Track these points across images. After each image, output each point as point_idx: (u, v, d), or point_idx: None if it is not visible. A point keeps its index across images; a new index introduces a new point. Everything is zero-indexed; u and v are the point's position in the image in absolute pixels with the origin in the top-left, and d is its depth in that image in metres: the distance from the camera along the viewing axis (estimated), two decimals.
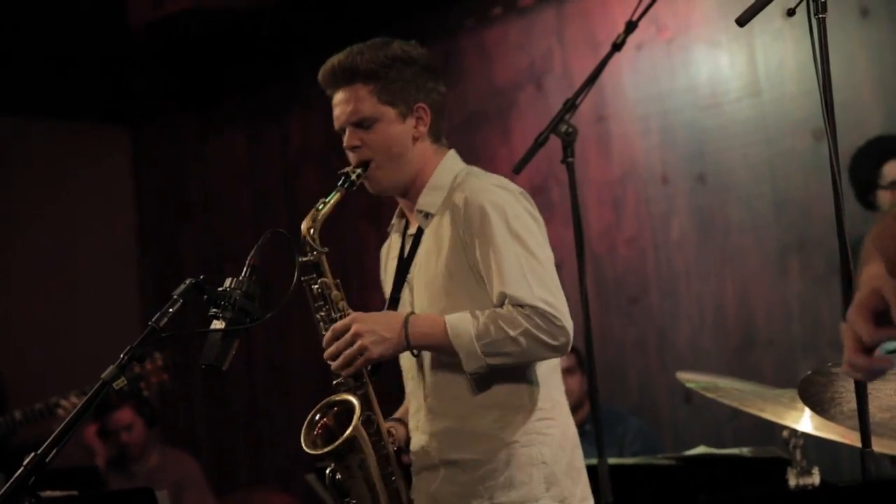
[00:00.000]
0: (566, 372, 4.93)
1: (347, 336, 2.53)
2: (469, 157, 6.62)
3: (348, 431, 2.53)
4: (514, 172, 3.16)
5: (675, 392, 5.17)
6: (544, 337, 2.49)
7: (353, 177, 2.63)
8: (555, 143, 3.20)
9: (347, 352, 2.54)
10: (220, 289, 2.41)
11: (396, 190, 2.70)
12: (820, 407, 2.39)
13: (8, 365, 5.21)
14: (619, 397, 5.25)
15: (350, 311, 2.60)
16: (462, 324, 2.50)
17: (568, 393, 4.96)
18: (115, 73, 6.74)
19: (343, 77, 2.67)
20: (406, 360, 2.68)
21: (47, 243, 6.74)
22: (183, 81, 6.94)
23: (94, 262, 6.91)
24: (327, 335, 2.57)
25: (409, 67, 2.66)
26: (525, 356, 2.51)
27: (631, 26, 3.18)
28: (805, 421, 2.99)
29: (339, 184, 2.63)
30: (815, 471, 3.02)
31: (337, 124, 2.70)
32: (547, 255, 2.60)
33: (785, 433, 3.07)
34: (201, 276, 2.39)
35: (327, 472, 2.61)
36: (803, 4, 2.35)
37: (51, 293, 6.70)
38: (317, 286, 2.60)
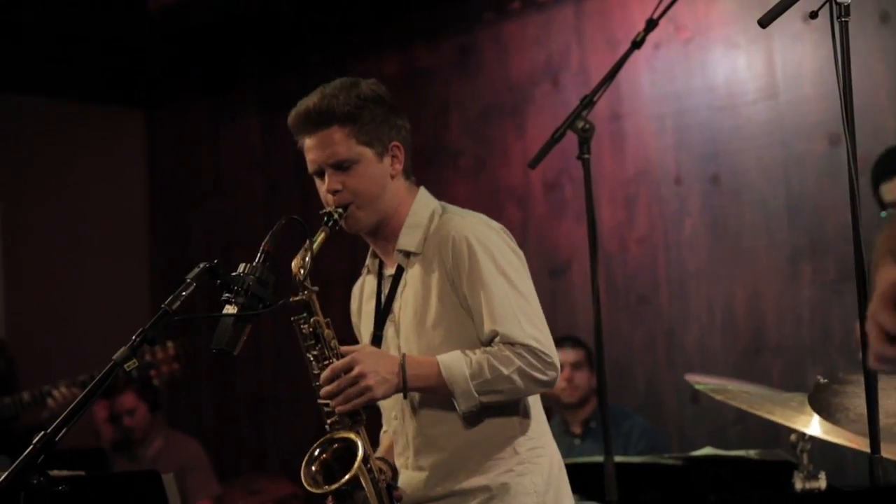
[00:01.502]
0: (574, 366, 4.97)
1: (351, 375, 2.54)
2: (484, 150, 6.61)
3: (353, 470, 2.54)
4: (530, 167, 3.16)
5: (682, 392, 5.17)
6: (535, 374, 2.55)
7: (336, 216, 2.64)
8: (568, 139, 3.20)
9: (350, 391, 2.55)
10: (234, 274, 2.41)
11: (372, 229, 2.72)
12: (827, 412, 2.39)
13: (17, 347, 5.21)
14: (626, 396, 5.25)
15: (344, 349, 2.60)
16: (456, 364, 2.55)
17: (575, 388, 5.00)
18: (132, 56, 6.75)
19: (319, 121, 2.67)
20: (389, 400, 2.69)
21: (59, 224, 6.75)
22: (198, 67, 6.95)
23: (105, 245, 6.92)
24: (325, 373, 2.58)
25: (380, 107, 2.69)
26: (517, 393, 2.57)
27: (651, 24, 3.17)
28: (814, 425, 2.99)
29: (325, 223, 2.63)
30: (822, 475, 3.02)
31: (311, 168, 2.71)
32: (532, 292, 2.64)
33: (792, 437, 3.07)
34: (215, 261, 2.39)
35: None
36: (825, 8, 2.35)
37: (61, 275, 6.72)
38: (307, 325, 2.61)
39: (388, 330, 2.71)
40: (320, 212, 2.67)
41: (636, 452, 4.69)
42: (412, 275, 2.67)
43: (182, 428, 6.06)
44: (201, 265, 2.39)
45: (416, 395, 2.65)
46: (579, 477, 3.73)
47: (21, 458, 2.13)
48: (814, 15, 2.35)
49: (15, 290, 6.52)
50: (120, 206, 7.07)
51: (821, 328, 4.91)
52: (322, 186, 2.69)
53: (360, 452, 2.55)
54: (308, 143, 2.71)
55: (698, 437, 4.92)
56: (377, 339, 2.72)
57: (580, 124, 3.09)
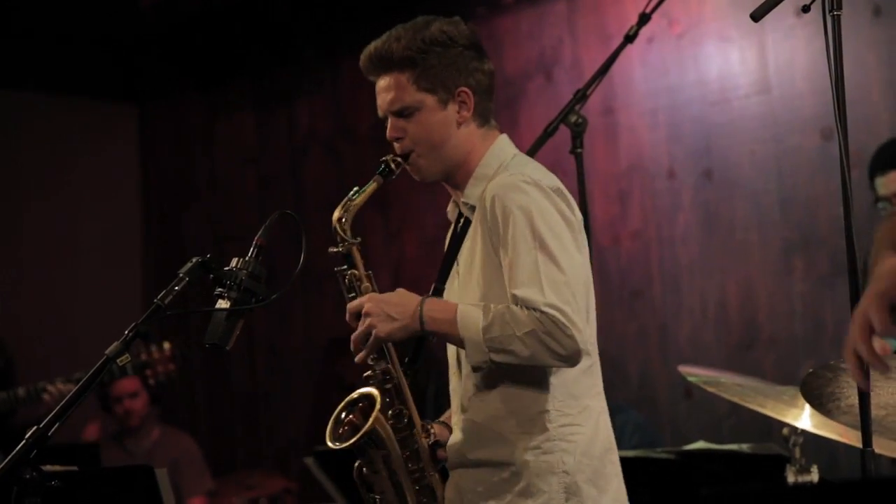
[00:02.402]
0: None
1: (360, 318, 2.50)
2: None
3: (367, 425, 2.49)
4: None
5: (675, 386, 5.18)
6: (550, 343, 2.40)
7: (392, 165, 2.57)
8: (561, 134, 3.20)
9: (357, 331, 2.50)
10: (226, 268, 2.41)
11: (441, 177, 2.62)
12: (819, 402, 2.39)
13: (12, 343, 5.21)
14: (619, 390, 5.25)
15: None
16: (472, 314, 2.44)
17: None
18: (125, 51, 6.74)
19: (380, 65, 2.59)
20: (449, 357, 2.63)
21: (52, 219, 6.74)
22: (192, 62, 6.94)
23: (98, 240, 6.92)
24: (347, 316, 2.53)
25: (449, 50, 2.58)
26: (531, 359, 2.42)
27: (644, 18, 3.18)
28: (805, 418, 3.00)
29: (378, 171, 2.57)
30: (814, 469, 3.03)
31: (379, 112, 2.62)
32: (572, 263, 2.46)
33: (785, 431, 3.08)
34: (208, 256, 2.39)
35: (355, 465, 2.58)
36: (818, 1, 2.35)
37: (55, 270, 6.71)
38: (348, 276, 2.56)
39: (454, 282, 2.61)
40: (380, 159, 2.60)
41: (629, 447, 4.69)
42: (472, 228, 2.58)
43: (176, 423, 6.06)
44: (194, 260, 2.38)
45: (462, 355, 2.55)
46: None
47: (13, 452, 2.13)
48: (806, 9, 2.35)
49: (9, 285, 6.51)
50: (113, 201, 7.06)
51: (813, 322, 4.92)
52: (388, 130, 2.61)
53: (377, 406, 2.50)
54: (377, 85, 2.62)
55: (691, 432, 4.93)
56: (438, 292, 2.63)
57: (573, 118, 3.10)
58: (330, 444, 2.53)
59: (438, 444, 2.59)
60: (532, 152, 3.12)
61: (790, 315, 4.98)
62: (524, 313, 2.41)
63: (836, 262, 4.76)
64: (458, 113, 2.58)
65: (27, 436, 2.15)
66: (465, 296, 2.56)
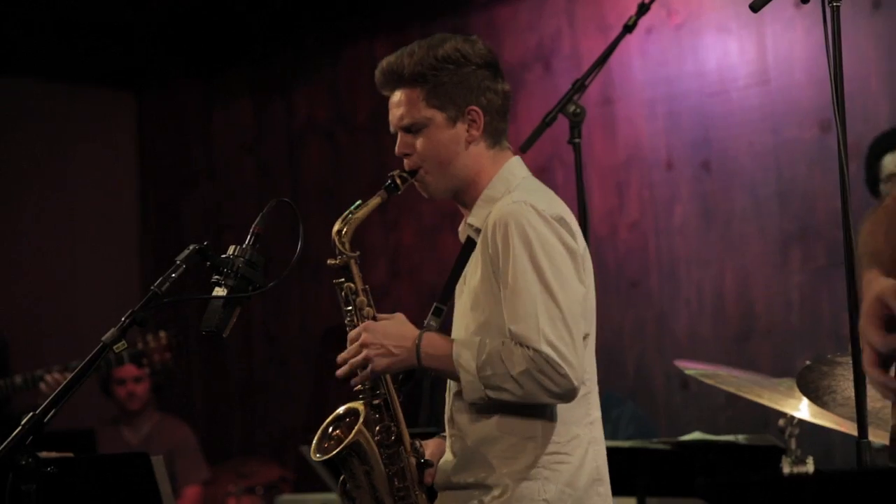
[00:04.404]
0: None
1: (356, 345, 2.50)
2: None
3: (349, 438, 2.50)
4: (521, 151, 3.16)
5: (671, 378, 5.18)
6: (544, 381, 2.39)
7: (399, 181, 2.57)
8: (559, 124, 3.20)
9: (353, 361, 2.51)
10: (224, 256, 2.41)
11: (449, 194, 2.62)
12: (815, 394, 2.40)
13: (9, 331, 5.20)
14: (615, 381, 5.26)
15: (370, 318, 2.55)
16: (467, 351, 2.44)
17: None
18: (123, 38, 6.72)
19: (392, 80, 2.59)
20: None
21: (49, 206, 6.74)
22: (190, 49, 6.93)
23: (95, 227, 6.91)
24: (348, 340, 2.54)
25: (462, 69, 2.56)
26: (525, 397, 2.42)
27: (643, 8, 3.17)
28: (802, 409, 3.00)
29: (384, 186, 2.56)
30: (810, 460, 3.03)
31: (391, 128, 2.63)
32: (570, 297, 2.46)
33: (781, 422, 3.09)
34: (205, 243, 2.38)
35: (340, 479, 2.58)
36: None
37: (52, 258, 6.70)
38: (344, 289, 2.56)
39: (460, 299, 2.60)
40: (388, 174, 2.60)
41: (625, 437, 4.70)
42: (476, 252, 2.57)
43: (172, 412, 6.06)
44: (191, 247, 2.38)
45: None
46: None
47: (9, 439, 2.13)
48: (805, 0, 2.35)
49: (6, 272, 6.51)
50: (111, 189, 7.05)
51: (810, 314, 4.92)
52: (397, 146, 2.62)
53: (360, 419, 2.51)
54: (390, 100, 2.62)
55: (687, 422, 4.93)
56: (438, 311, 2.62)
57: (571, 108, 3.09)
58: (313, 456, 2.54)
59: (428, 465, 2.58)
60: (530, 142, 3.12)
61: (787, 307, 4.99)
62: (519, 351, 2.41)
63: (833, 255, 4.76)
64: (468, 132, 2.57)
65: (23, 422, 2.15)
66: (462, 319, 2.57)
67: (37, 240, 6.68)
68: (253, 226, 2.49)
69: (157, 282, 2.30)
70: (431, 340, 2.50)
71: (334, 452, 2.51)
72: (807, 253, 4.94)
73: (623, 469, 2.87)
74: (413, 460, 2.56)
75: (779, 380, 3.19)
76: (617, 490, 2.66)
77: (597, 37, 5.39)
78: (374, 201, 2.56)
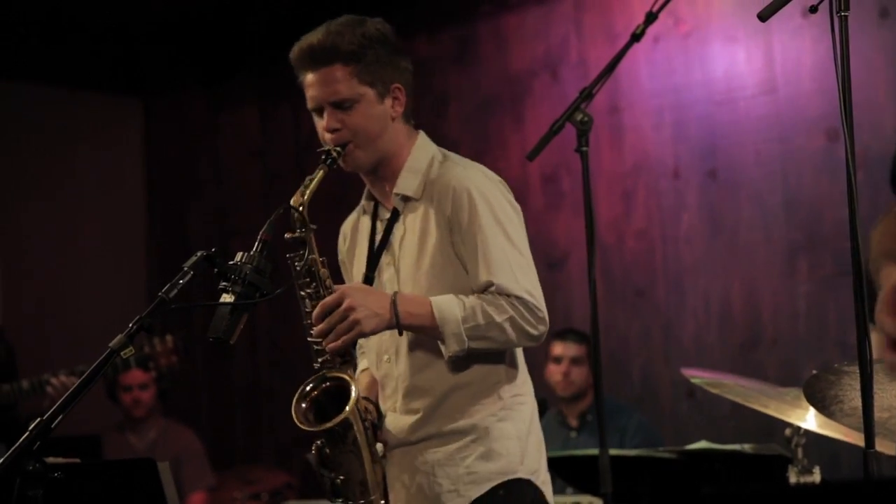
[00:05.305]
0: (574, 361, 4.97)
1: (340, 310, 2.54)
2: (482, 143, 6.62)
3: (346, 412, 2.56)
4: (528, 159, 3.16)
5: (677, 386, 5.18)
6: (526, 326, 2.56)
7: (335, 154, 2.64)
8: (566, 132, 3.19)
9: (340, 326, 2.54)
10: (231, 262, 2.41)
11: (370, 168, 2.71)
12: (822, 404, 2.39)
13: (16, 336, 5.21)
14: (621, 389, 5.26)
15: (335, 288, 2.61)
16: (449, 306, 2.55)
17: (571, 382, 5.00)
18: (131, 44, 6.74)
19: (322, 57, 2.67)
20: (381, 342, 2.71)
21: (56, 212, 6.75)
22: (197, 56, 6.94)
23: (102, 233, 6.92)
24: (317, 311, 2.58)
25: (384, 47, 2.68)
26: (506, 343, 2.59)
27: (651, 17, 3.17)
28: (809, 419, 2.99)
29: (323, 160, 2.63)
30: (816, 469, 3.03)
31: (311, 104, 2.70)
32: (526, 247, 2.66)
33: (787, 431, 3.08)
34: (213, 249, 2.38)
35: (314, 444, 2.62)
36: (825, 2, 2.34)
37: (59, 263, 6.71)
38: (302, 263, 2.60)
39: (386, 273, 2.70)
40: (318, 150, 2.66)
41: (632, 446, 4.70)
42: (410, 220, 2.67)
43: (178, 418, 6.06)
44: (198, 254, 2.38)
45: (406, 339, 2.66)
46: (574, 469, 3.74)
47: (17, 444, 2.13)
48: (813, 9, 2.35)
49: (13, 278, 6.52)
50: (118, 195, 7.06)
51: (817, 323, 4.92)
52: (321, 123, 2.68)
53: (353, 394, 2.57)
54: (309, 78, 2.69)
55: (693, 431, 4.92)
56: (369, 281, 2.71)
57: (579, 117, 3.09)
58: (298, 423, 2.60)
59: (375, 426, 2.68)
60: (537, 150, 3.12)
61: (794, 316, 4.98)
62: (501, 300, 2.56)
63: (840, 264, 4.75)
64: (392, 108, 2.69)
65: (30, 428, 2.15)
66: (411, 284, 2.64)
67: (44, 245, 6.69)
68: (260, 232, 2.49)
69: (165, 288, 2.30)
70: (406, 300, 2.58)
71: (333, 424, 2.56)
72: (814, 262, 4.93)
73: (628, 478, 2.87)
74: (369, 423, 2.65)
75: (785, 389, 3.18)
76: (622, 499, 2.67)
77: (604, 45, 5.39)
78: (320, 175, 2.61)
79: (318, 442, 2.62)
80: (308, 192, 2.59)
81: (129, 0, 6.26)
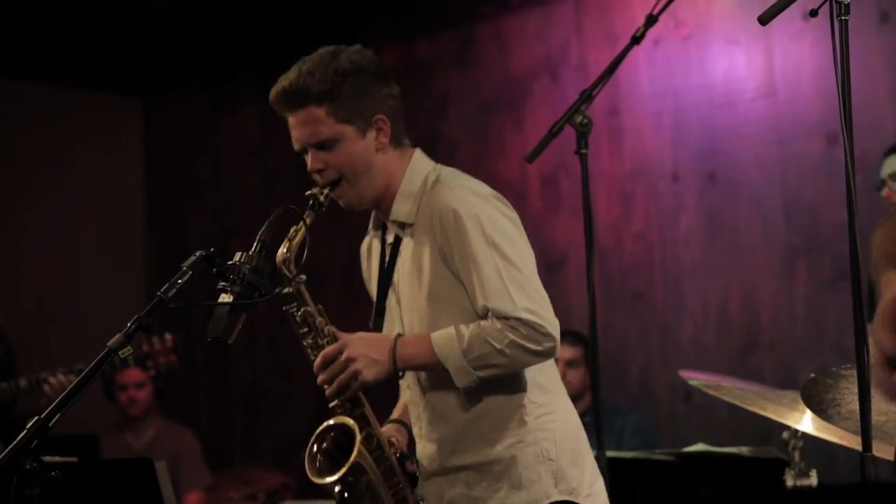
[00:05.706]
0: (570, 364, 4.97)
1: (340, 361, 2.54)
2: (482, 144, 6.62)
3: (352, 458, 2.54)
4: (528, 161, 3.16)
5: (675, 389, 5.18)
6: (530, 345, 2.51)
7: (322, 198, 2.62)
8: (566, 134, 3.20)
9: (341, 378, 2.55)
10: (230, 262, 2.41)
11: (368, 204, 2.68)
12: (819, 408, 2.40)
13: (14, 334, 5.21)
14: (619, 391, 5.26)
15: (337, 334, 2.59)
16: (448, 342, 2.52)
17: (567, 384, 4.99)
18: (131, 44, 6.74)
19: (296, 101, 2.63)
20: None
21: (56, 211, 6.75)
22: (197, 56, 6.94)
23: (102, 233, 6.92)
24: (318, 361, 2.57)
25: (361, 79, 2.63)
26: (514, 366, 2.54)
27: (651, 20, 3.17)
28: (806, 422, 3.00)
29: (309, 206, 2.61)
30: (813, 473, 3.03)
31: (297, 146, 2.67)
32: (526, 260, 2.58)
33: (785, 434, 3.08)
34: (211, 249, 2.39)
35: (335, 491, 2.61)
36: (825, 6, 2.35)
37: (58, 263, 6.71)
38: (300, 314, 2.59)
39: (391, 300, 2.68)
40: (306, 193, 2.65)
41: (629, 448, 4.70)
42: (407, 246, 2.64)
43: (176, 418, 6.06)
44: (197, 253, 2.38)
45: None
46: None
47: (14, 443, 2.13)
48: (814, 13, 2.35)
49: (12, 277, 6.51)
50: (117, 195, 7.06)
51: (815, 327, 4.92)
52: (308, 163, 2.67)
53: (358, 438, 2.54)
54: (290, 121, 2.67)
55: (691, 433, 4.93)
56: (380, 312, 2.68)
57: (578, 119, 3.09)
58: (313, 479, 2.57)
59: (405, 457, 2.65)
60: (537, 152, 3.12)
61: (792, 319, 4.98)
62: (499, 325, 2.50)
63: (839, 268, 4.75)
64: (377, 139, 2.64)
65: (28, 426, 2.15)
66: (413, 312, 2.62)
67: (43, 245, 6.69)
68: (259, 233, 2.49)
69: (164, 288, 2.30)
70: (407, 342, 2.57)
71: (341, 473, 2.54)
72: (812, 265, 4.93)
73: (626, 480, 2.87)
74: (394, 457, 2.63)
75: (783, 392, 3.18)
76: (619, 501, 2.67)
77: (604, 47, 5.39)
78: (304, 229, 2.59)
79: (336, 489, 2.60)
80: (294, 245, 2.56)
81: (130, 0, 6.26)
